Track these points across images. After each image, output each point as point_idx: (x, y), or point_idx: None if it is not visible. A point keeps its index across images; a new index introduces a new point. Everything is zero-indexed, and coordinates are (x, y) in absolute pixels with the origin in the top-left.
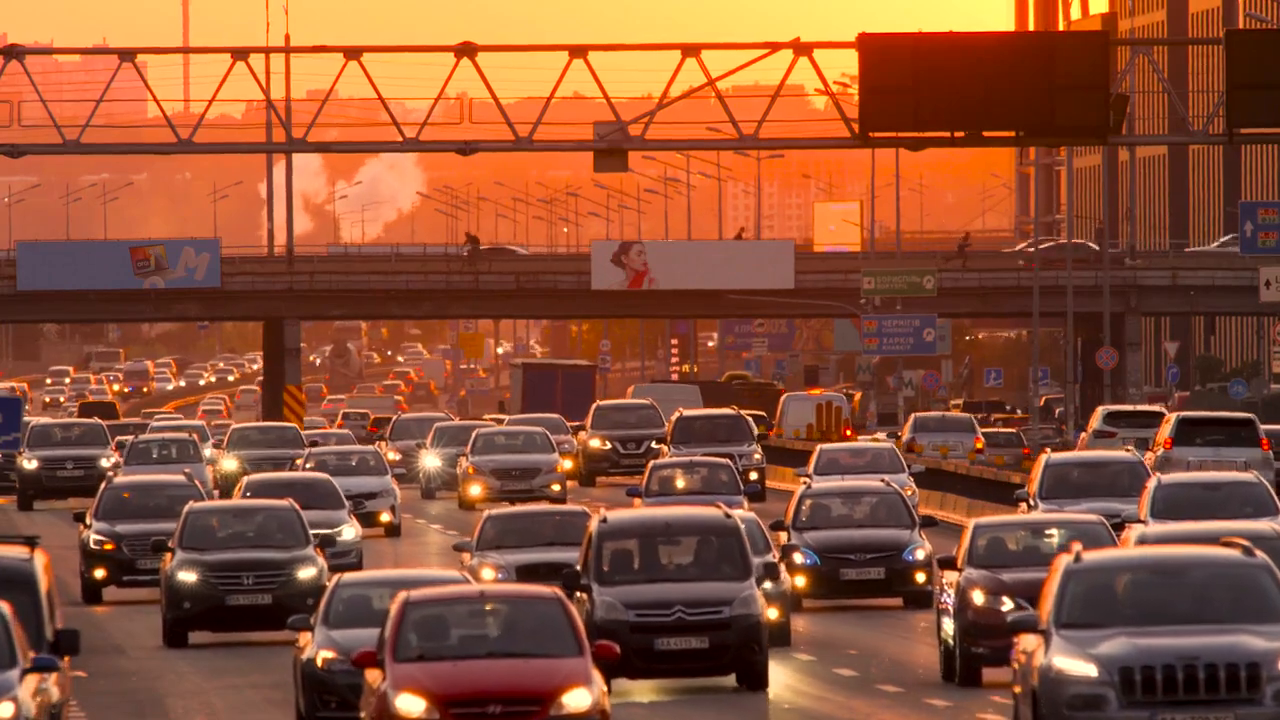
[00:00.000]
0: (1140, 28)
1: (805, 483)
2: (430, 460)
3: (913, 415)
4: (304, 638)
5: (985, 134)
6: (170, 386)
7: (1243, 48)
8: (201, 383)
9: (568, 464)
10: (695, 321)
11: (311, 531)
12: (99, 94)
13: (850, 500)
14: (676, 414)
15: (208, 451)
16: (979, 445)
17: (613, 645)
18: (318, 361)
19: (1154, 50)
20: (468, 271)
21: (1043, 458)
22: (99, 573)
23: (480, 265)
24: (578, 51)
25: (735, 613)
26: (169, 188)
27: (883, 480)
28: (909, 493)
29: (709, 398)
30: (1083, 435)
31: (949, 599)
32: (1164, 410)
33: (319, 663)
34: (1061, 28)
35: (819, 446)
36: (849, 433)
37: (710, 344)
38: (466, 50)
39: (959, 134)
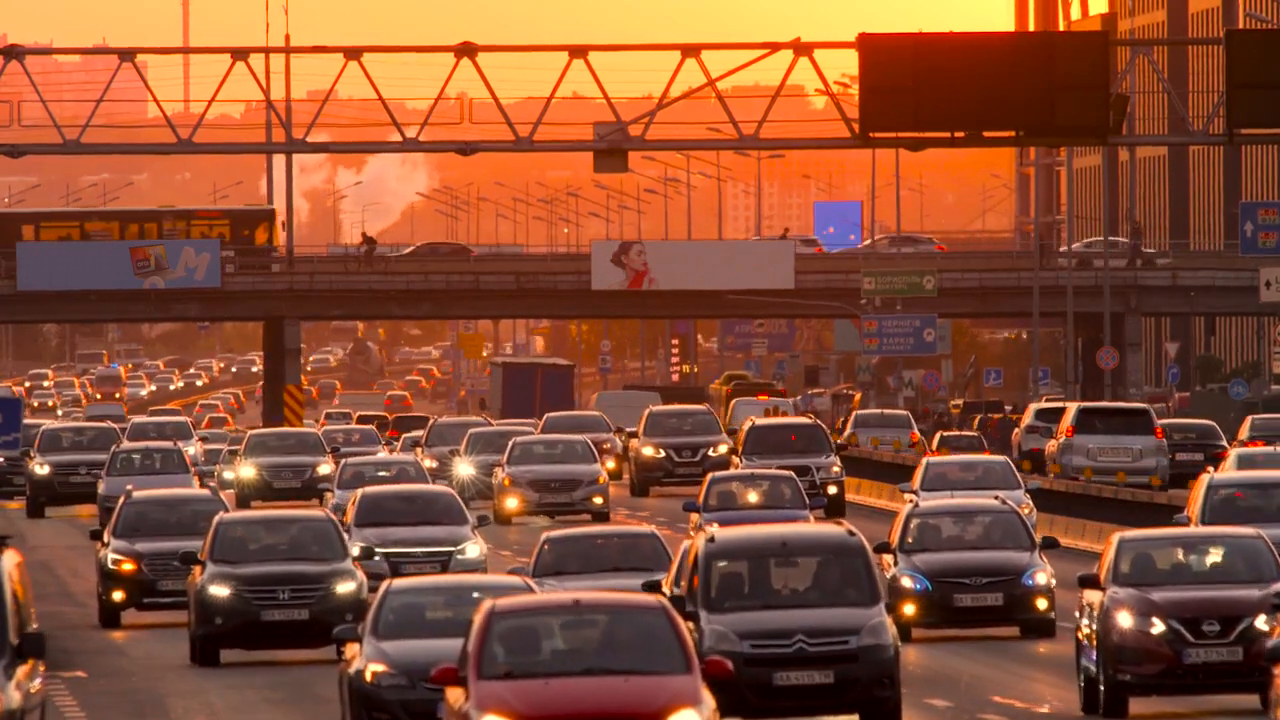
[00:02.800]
0: (1140, 28)
1: (911, 500)
2: (464, 468)
3: (854, 412)
4: (351, 649)
5: (985, 134)
6: (144, 392)
7: (1243, 48)
8: (172, 388)
9: (610, 464)
10: (695, 321)
11: (433, 549)
12: (99, 94)
13: (962, 519)
14: (748, 422)
15: (192, 449)
16: (914, 439)
17: (725, 661)
18: (333, 361)
19: (1154, 50)
20: (469, 271)
21: (1204, 478)
22: (117, 595)
23: (377, 265)
24: (578, 51)
25: (864, 643)
26: (169, 188)
27: (997, 497)
28: (1026, 511)
29: (669, 402)
30: (1016, 431)
31: (1090, 622)
32: (1148, 408)
33: (368, 677)
34: (1061, 28)
35: (924, 460)
36: (794, 437)
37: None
38: (466, 50)
39: (959, 134)
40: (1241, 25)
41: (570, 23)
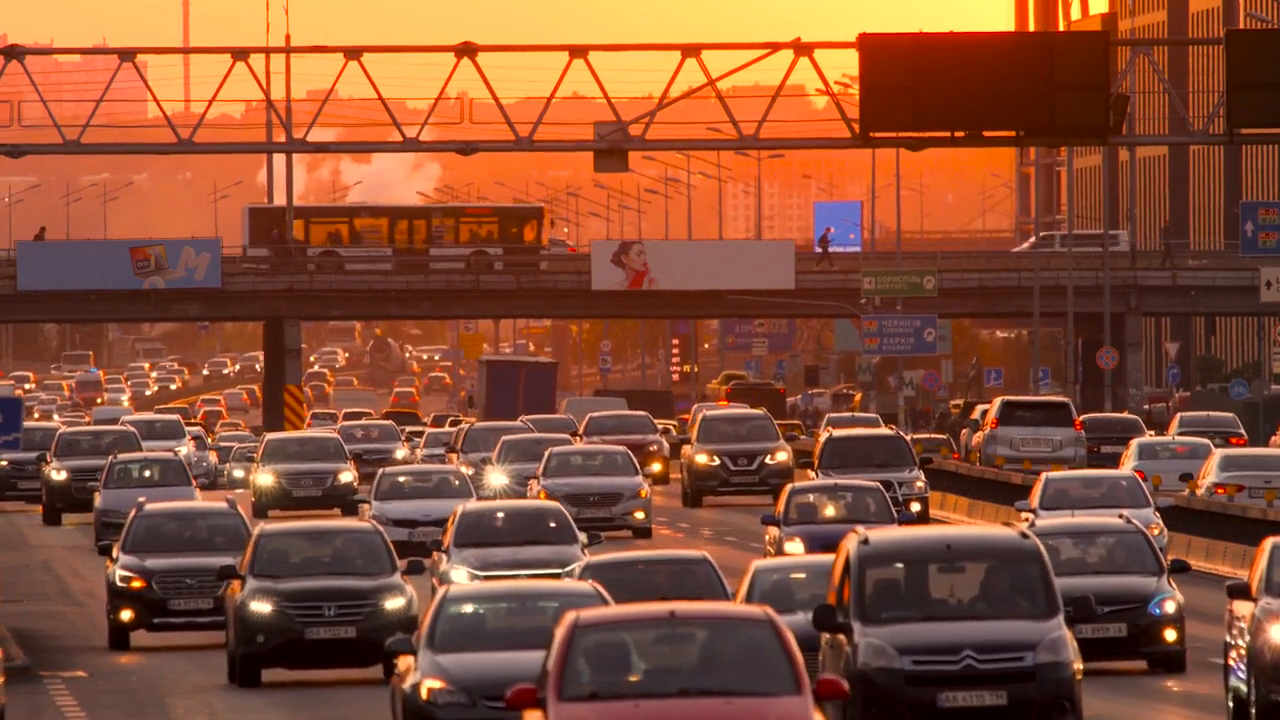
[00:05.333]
0: (1140, 28)
1: (1028, 519)
2: (496, 478)
3: (826, 415)
4: (404, 663)
5: (985, 134)
6: (124, 397)
7: (1243, 48)
8: (148, 392)
9: (657, 467)
10: (696, 321)
11: (543, 571)
12: (99, 94)
13: (1083, 541)
14: (825, 434)
15: (184, 449)
16: None
17: (839, 681)
18: (366, 359)
19: (1154, 50)
20: (469, 272)
21: None
22: (125, 614)
23: (290, 266)
24: (578, 51)
25: (1041, 660)
26: (169, 188)
27: (1122, 516)
28: (1155, 532)
29: (635, 407)
30: (964, 430)
31: (1240, 636)
32: (1067, 401)
33: (423, 693)
34: (1061, 28)
35: (1044, 475)
36: (874, 449)
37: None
38: (466, 50)
39: (959, 134)
40: (1241, 25)
41: (570, 23)
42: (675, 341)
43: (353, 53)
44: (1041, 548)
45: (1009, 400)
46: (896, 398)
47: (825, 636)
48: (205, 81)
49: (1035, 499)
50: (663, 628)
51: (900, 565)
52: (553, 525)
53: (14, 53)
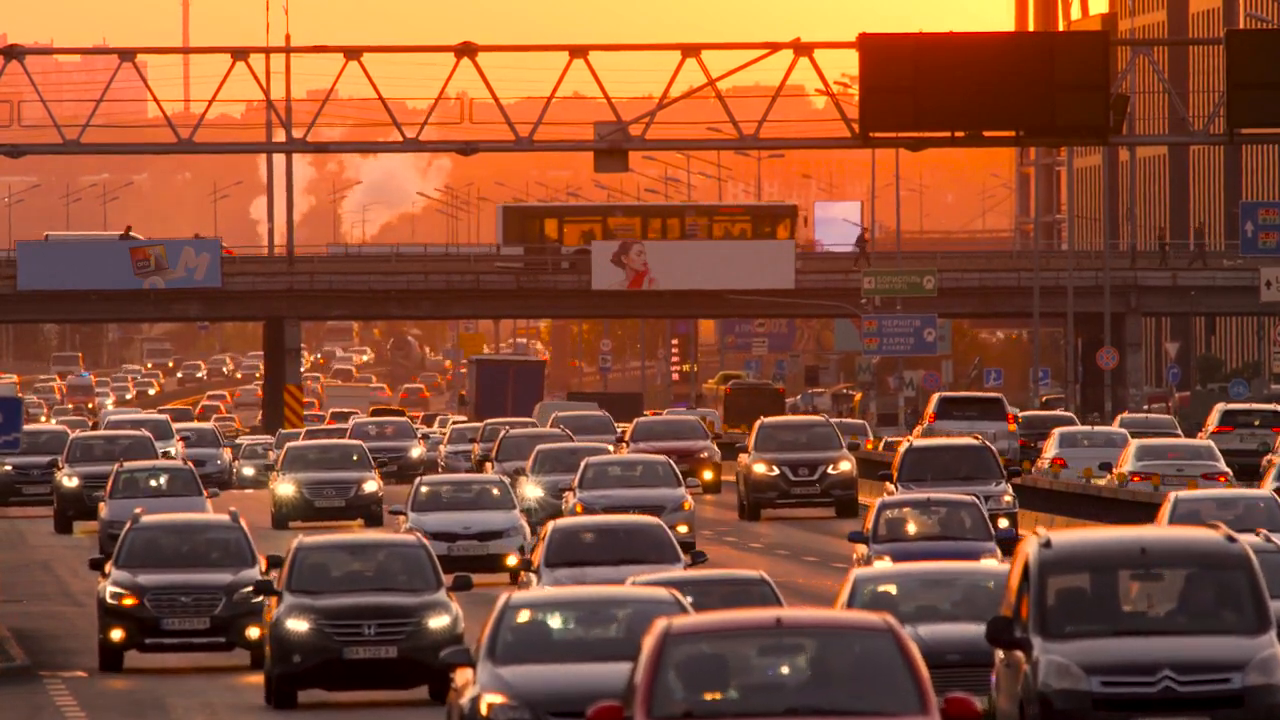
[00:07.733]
0: (1140, 28)
1: None
2: (531, 489)
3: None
4: (461, 676)
5: (985, 134)
6: (110, 402)
7: (1243, 48)
8: (129, 396)
9: (708, 475)
10: (696, 321)
11: None
12: (99, 94)
13: None
14: (904, 443)
15: (174, 449)
16: (868, 445)
17: (970, 700)
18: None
19: (1154, 50)
20: (469, 271)
21: None
22: (116, 634)
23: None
24: (578, 51)
25: (1250, 682)
26: (169, 188)
27: (1261, 534)
28: None
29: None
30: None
31: None
32: (1001, 397)
33: (483, 709)
34: (1061, 28)
35: (1173, 494)
36: (958, 460)
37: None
38: (466, 50)
39: (959, 134)
40: (1241, 25)
41: (570, 23)
42: (675, 341)
43: (353, 53)
44: (1251, 554)
45: (945, 396)
46: (897, 398)
47: (1000, 654)
48: (205, 81)
49: (1163, 520)
50: (767, 638)
51: (1087, 572)
52: (653, 542)
53: (14, 53)
